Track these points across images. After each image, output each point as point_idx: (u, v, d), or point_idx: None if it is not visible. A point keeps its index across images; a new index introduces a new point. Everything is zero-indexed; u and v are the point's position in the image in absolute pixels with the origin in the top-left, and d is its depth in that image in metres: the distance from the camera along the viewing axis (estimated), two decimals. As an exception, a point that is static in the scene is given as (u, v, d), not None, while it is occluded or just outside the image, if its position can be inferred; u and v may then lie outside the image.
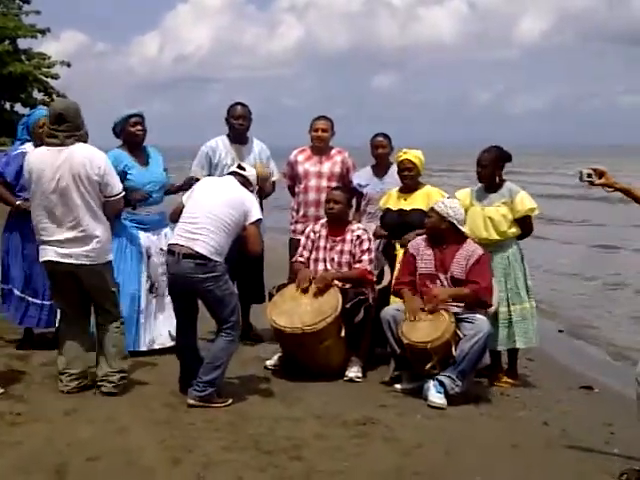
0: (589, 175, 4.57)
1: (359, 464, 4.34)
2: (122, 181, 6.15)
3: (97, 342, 5.41)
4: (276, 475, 4.16)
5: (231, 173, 5.57)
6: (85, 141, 5.24)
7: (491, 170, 6.04)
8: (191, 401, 5.11)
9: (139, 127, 6.40)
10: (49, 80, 36.43)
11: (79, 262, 5.16)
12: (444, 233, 5.74)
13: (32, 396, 5.23)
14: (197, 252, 5.11)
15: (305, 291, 5.95)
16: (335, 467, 4.28)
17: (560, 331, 8.54)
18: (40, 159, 5.18)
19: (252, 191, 5.52)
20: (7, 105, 37.41)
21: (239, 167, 5.56)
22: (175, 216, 5.53)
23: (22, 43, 36.23)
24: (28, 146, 6.15)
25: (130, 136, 6.41)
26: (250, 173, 5.54)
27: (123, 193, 5.46)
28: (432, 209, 5.80)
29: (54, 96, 36.48)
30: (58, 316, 5.89)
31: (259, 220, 5.33)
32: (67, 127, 5.12)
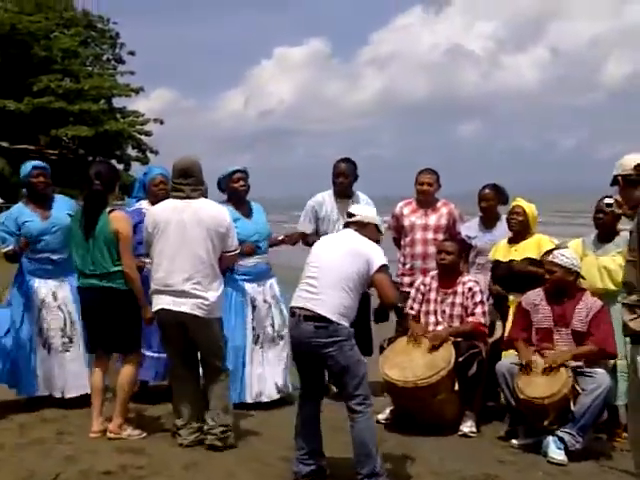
0: (609, 205, 4.96)
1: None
2: None
3: (203, 396, 5.43)
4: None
5: (345, 225, 5.19)
6: (206, 196, 5.40)
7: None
8: None
9: (242, 182, 6.57)
10: (142, 137, 37.55)
11: (194, 313, 5.22)
12: (568, 285, 5.64)
13: (152, 449, 5.30)
14: (318, 314, 4.65)
15: (416, 344, 5.90)
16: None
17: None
18: (167, 211, 5.32)
19: (377, 236, 5.00)
20: (97, 160, 38.69)
21: (349, 215, 5.15)
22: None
23: (117, 102, 37.59)
24: (144, 203, 6.36)
25: (234, 191, 6.59)
26: (360, 212, 5.07)
27: (239, 249, 5.59)
28: (554, 263, 5.67)
29: (147, 152, 37.68)
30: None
31: (385, 266, 4.78)
32: (192, 181, 5.30)
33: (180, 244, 5.23)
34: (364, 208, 5.29)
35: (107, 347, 5.66)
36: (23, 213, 6.29)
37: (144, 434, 5.56)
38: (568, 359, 5.48)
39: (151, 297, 5.40)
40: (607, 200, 4.84)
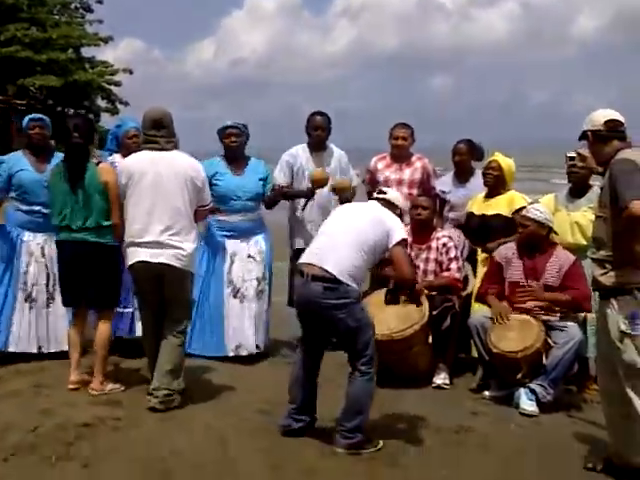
0: (571, 158, 4.99)
1: (457, 473, 4.34)
2: (211, 187, 6.21)
3: (159, 354, 5.32)
4: (374, 481, 4.17)
5: (374, 199, 5.12)
6: (178, 148, 5.35)
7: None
8: (340, 450, 4.53)
9: (233, 138, 6.54)
10: (111, 87, 36.97)
11: (171, 263, 5.16)
12: (540, 240, 5.70)
13: (129, 402, 5.32)
14: (328, 272, 4.49)
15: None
16: (434, 476, 4.28)
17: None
18: (142, 162, 5.24)
19: (399, 215, 4.95)
20: (71, 113, 38.11)
21: (380, 192, 5.12)
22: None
23: (85, 52, 36.89)
24: (117, 157, 6.30)
25: (225, 146, 6.60)
26: (393, 196, 5.05)
27: (212, 205, 5.62)
28: (527, 217, 5.74)
29: (117, 103, 37.12)
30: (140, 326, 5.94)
31: (404, 241, 4.75)
32: (165, 133, 5.24)
33: (157, 196, 5.18)
34: (397, 194, 5.21)
35: (87, 302, 5.62)
36: (19, 162, 6.21)
37: (123, 387, 5.58)
38: (548, 299, 5.58)
39: (125, 250, 5.34)
40: (570, 154, 4.89)
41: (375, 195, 5.11)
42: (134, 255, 5.26)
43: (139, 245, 5.23)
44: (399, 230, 4.69)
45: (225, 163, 6.61)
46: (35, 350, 6.19)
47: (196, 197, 5.30)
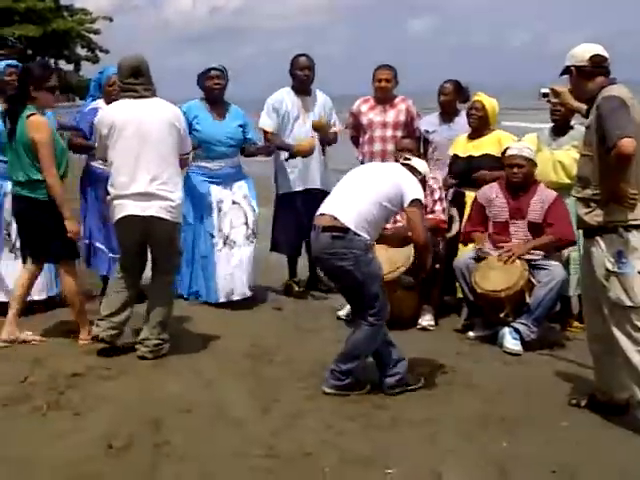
0: (545, 94, 4.80)
1: (445, 411, 4.41)
2: (191, 131, 6.22)
3: (147, 305, 5.35)
4: (364, 423, 4.24)
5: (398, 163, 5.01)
6: (156, 96, 5.27)
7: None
8: (327, 389, 4.59)
9: (216, 81, 6.49)
10: (91, 36, 36.46)
11: (161, 215, 5.05)
12: (530, 179, 5.74)
13: (117, 350, 5.34)
14: (338, 221, 4.44)
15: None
16: (421, 415, 4.35)
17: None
18: (122, 111, 5.12)
19: (421, 182, 4.80)
20: (52, 62, 37.60)
21: (405, 159, 4.97)
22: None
23: (64, 0, 36.28)
24: (100, 102, 6.25)
25: (207, 90, 6.54)
26: (417, 161, 4.96)
27: (192, 153, 5.59)
28: (523, 157, 5.73)
29: (97, 52, 36.62)
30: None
31: (418, 201, 4.59)
32: (144, 80, 5.14)
33: (141, 144, 5.05)
34: (422, 162, 5.07)
35: (34, 255, 5.52)
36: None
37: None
38: (526, 251, 5.60)
39: (111, 203, 5.17)
40: (543, 90, 4.84)
41: (401, 161, 4.97)
42: (121, 209, 5.11)
43: (126, 197, 5.07)
44: (416, 190, 4.59)
45: (206, 107, 6.55)
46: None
47: (178, 143, 5.20)
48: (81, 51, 37.22)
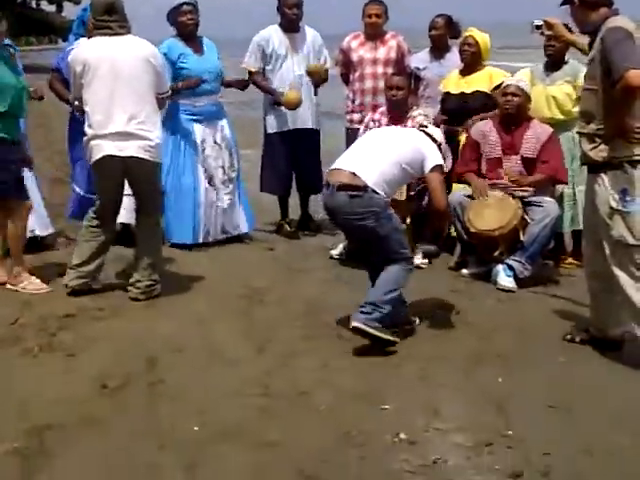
0: (538, 27, 4.64)
1: (440, 349, 4.40)
2: (177, 70, 6.16)
3: (136, 247, 5.30)
4: (359, 361, 4.23)
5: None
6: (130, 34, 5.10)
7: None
8: (356, 323, 4.28)
9: (190, 16, 6.33)
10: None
11: (140, 156, 4.94)
12: (521, 113, 5.65)
13: (109, 291, 5.32)
14: (356, 177, 4.30)
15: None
16: (417, 352, 4.33)
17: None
18: (96, 48, 4.97)
19: (438, 147, 4.65)
20: (33, 3, 36.90)
21: (421, 126, 4.83)
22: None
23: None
24: (84, 41, 6.06)
25: (181, 25, 6.37)
26: (433, 130, 4.77)
27: (170, 92, 5.42)
28: (519, 87, 5.65)
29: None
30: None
31: (439, 167, 4.49)
32: (118, 17, 4.99)
33: (117, 82, 4.90)
34: (438, 130, 4.90)
35: None
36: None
37: (44, 288, 5.37)
38: (525, 183, 5.56)
39: (88, 144, 5.03)
40: (536, 22, 4.71)
41: (417, 128, 4.85)
42: (98, 149, 4.96)
43: (103, 137, 4.94)
44: (436, 156, 4.50)
45: (183, 44, 6.38)
46: None
47: (156, 81, 5.05)
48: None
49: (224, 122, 6.56)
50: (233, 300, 5.20)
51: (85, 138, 5.07)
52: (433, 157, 4.49)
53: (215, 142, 6.45)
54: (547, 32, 4.66)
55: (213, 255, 6.27)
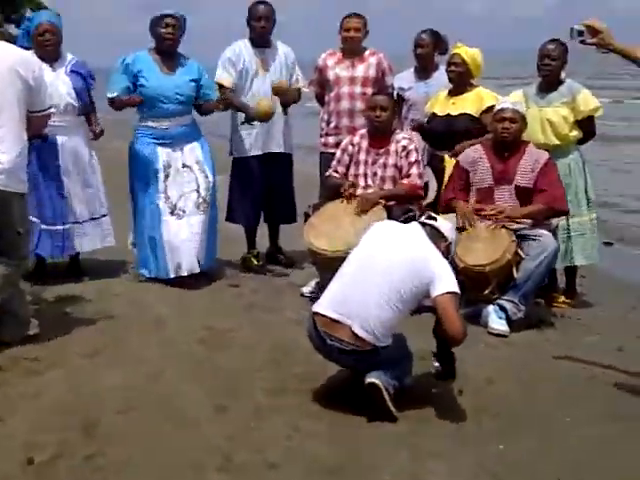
0: (580, 33, 3.82)
1: (429, 407, 3.84)
2: (134, 85, 5.71)
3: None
4: (334, 423, 3.65)
5: (419, 222, 4.04)
6: (7, 40, 4.48)
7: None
8: (374, 380, 3.67)
9: (170, 30, 5.74)
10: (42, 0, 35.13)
11: None
12: (519, 138, 5.16)
13: (48, 337, 4.63)
14: (357, 341, 3.68)
15: (347, 207, 5.38)
16: (401, 412, 3.72)
17: (608, 243, 7.77)
18: None
19: (446, 247, 3.94)
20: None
21: (429, 217, 4.04)
22: None
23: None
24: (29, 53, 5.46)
25: (158, 39, 5.80)
26: (443, 225, 3.97)
27: (52, 111, 4.74)
28: (516, 111, 5.16)
29: None
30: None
31: (455, 294, 3.71)
32: None
33: None
34: (449, 224, 4.09)
35: None
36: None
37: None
38: (518, 216, 5.06)
39: None
40: (577, 26, 3.91)
41: (423, 219, 4.04)
42: None
43: None
44: (447, 278, 3.70)
45: (154, 59, 5.83)
46: None
47: (27, 96, 4.29)
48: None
49: (196, 144, 5.95)
50: (191, 345, 4.58)
51: None
52: (443, 282, 3.69)
53: (184, 165, 5.85)
54: (590, 40, 3.86)
55: (171, 292, 5.62)
